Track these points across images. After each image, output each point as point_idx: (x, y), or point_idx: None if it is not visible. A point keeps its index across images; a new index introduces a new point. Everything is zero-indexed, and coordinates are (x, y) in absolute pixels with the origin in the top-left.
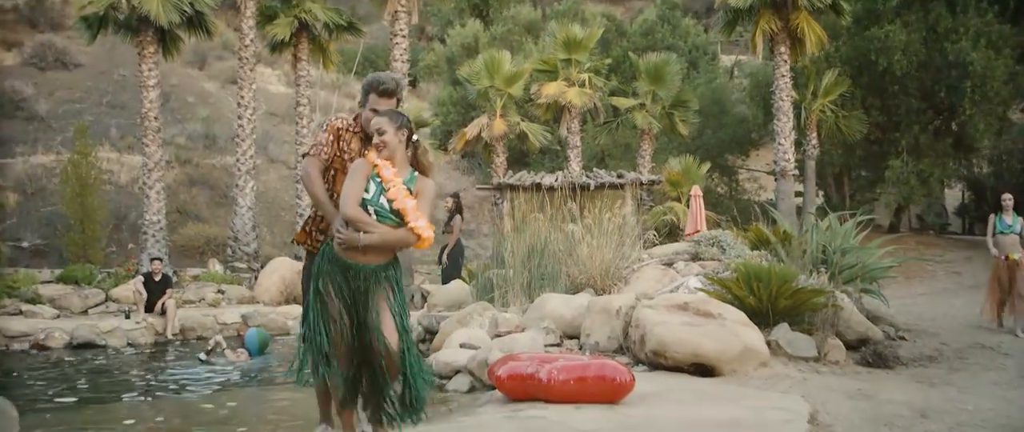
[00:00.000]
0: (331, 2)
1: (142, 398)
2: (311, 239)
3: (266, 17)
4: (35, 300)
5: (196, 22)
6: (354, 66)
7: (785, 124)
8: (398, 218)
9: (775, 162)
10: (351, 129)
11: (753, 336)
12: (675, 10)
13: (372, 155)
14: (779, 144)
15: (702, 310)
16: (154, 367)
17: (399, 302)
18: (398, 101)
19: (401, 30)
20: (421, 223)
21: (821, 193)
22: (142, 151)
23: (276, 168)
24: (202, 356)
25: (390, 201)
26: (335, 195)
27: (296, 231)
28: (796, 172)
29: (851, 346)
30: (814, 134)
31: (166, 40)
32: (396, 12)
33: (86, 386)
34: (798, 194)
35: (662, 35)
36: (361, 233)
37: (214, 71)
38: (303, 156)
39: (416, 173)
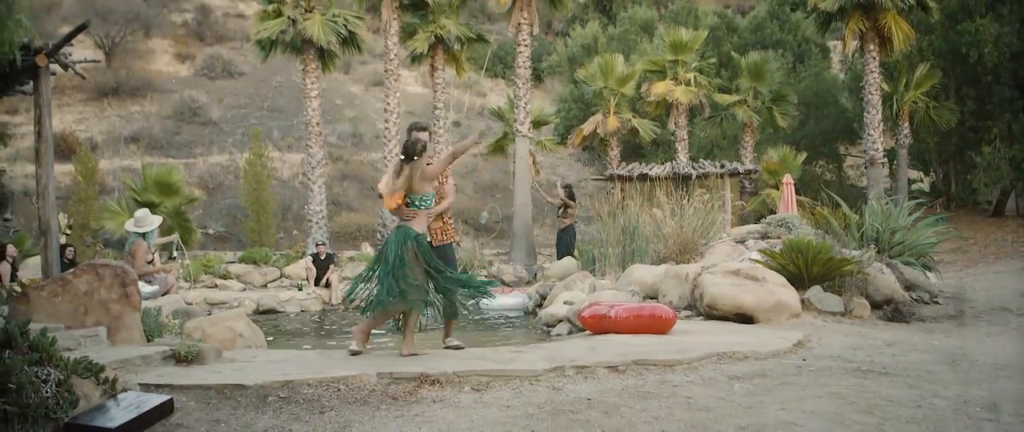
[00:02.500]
0: (463, 13)
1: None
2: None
3: (407, 33)
4: (226, 276)
5: (349, 40)
6: (484, 64)
7: (874, 116)
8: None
9: (865, 152)
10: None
11: (787, 294)
12: (784, 5)
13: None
14: (868, 134)
15: (749, 274)
16: (326, 324)
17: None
18: (430, 134)
19: (524, 41)
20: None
21: (929, 178)
22: (306, 151)
23: None
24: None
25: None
26: None
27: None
28: (884, 160)
29: (877, 305)
30: (906, 124)
31: (324, 56)
32: (520, 24)
33: (280, 335)
34: (911, 180)
35: (771, 31)
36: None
37: (358, 75)
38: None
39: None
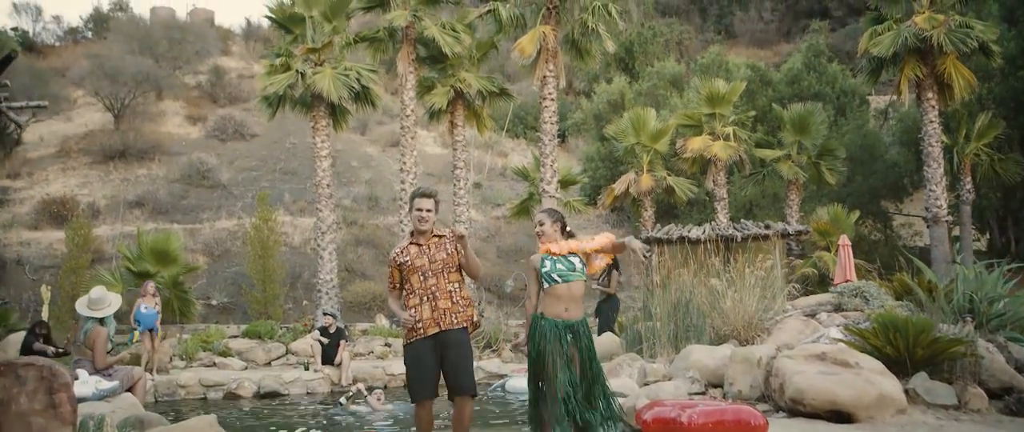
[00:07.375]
0: (483, 68)
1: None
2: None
3: (425, 87)
4: (226, 353)
5: (362, 95)
6: (505, 124)
7: (936, 170)
8: (580, 270)
9: (926, 209)
10: (402, 250)
11: (889, 384)
12: (820, 57)
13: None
14: (930, 190)
15: (839, 359)
16: (332, 410)
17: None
18: (436, 202)
19: (550, 94)
20: (589, 244)
21: (984, 237)
22: (316, 215)
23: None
24: (342, 401)
25: (568, 256)
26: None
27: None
28: (949, 218)
29: (994, 394)
30: (969, 178)
31: (336, 113)
32: (545, 77)
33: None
34: (957, 238)
35: (808, 83)
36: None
37: (375, 136)
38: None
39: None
